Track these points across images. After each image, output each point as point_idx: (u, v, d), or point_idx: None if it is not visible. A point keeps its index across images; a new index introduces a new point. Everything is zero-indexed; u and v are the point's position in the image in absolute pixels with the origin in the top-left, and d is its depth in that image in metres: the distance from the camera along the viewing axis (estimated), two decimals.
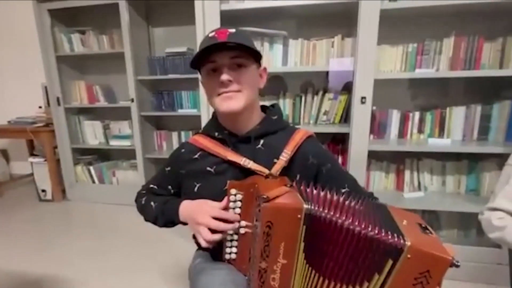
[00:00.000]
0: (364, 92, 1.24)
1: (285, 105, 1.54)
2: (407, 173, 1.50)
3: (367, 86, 1.24)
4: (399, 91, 1.53)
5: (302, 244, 0.50)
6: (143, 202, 0.78)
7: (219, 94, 0.64)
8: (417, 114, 1.44)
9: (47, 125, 2.36)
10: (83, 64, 2.43)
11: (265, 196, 0.50)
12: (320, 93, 1.49)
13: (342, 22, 1.44)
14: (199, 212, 0.62)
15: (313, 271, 0.50)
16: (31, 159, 2.38)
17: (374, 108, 1.43)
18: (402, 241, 0.44)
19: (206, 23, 1.33)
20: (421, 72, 1.33)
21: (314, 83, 1.55)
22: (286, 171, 0.65)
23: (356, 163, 1.32)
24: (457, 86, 1.48)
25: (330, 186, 0.60)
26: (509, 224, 0.72)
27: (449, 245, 0.47)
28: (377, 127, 1.49)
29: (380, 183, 1.54)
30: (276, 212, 0.49)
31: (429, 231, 0.48)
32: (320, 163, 0.70)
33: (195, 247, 0.82)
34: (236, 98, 0.63)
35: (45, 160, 2.34)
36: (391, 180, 1.53)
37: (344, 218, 0.48)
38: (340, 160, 1.50)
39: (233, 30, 0.62)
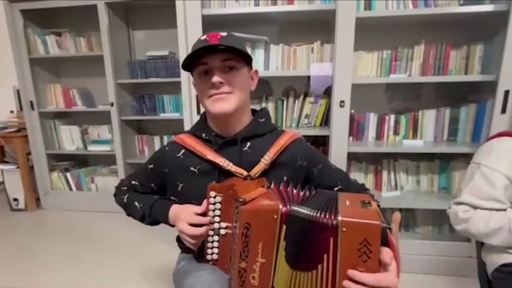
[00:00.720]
0: (342, 96, 1.29)
1: (268, 108, 1.57)
2: (384, 174, 1.56)
3: (345, 91, 1.29)
4: (376, 95, 1.60)
5: (284, 243, 0.51)
6: (125, 200, 0.77)
7: (210, 96, 0.65)
8: (392, 117, 1.51)
9: (20, 130, 2.25)
10: (59, 66, 2.35)
11: (241, 199, 0.52)
12: (301, 97, 1.53)
13: (321, 28, 1.50)
14: (178, 220, 0.64)
15: (291, 266, 0.52)
16: (1, 166, 2.25)
17: (353, 111, 1.49)
18: (335, 217, 0.48)
19: (188, 27, 1.34)
20: (394, 77, 1.41)
21: (296, 87, 1.59)
22: (270, 173, 0.67)
23: (336, 165, 1.36)
24: (428, 91, 1.57)
25: (323, 185, 0.61)
26: (473, 217, 0.78)
27: (396, 213, 0.51)
28: (356, 130, 1.55)
29: None
30: (253, 214, 0.51)
31: (369, 205, 0.51)
32: (310, 165, 0.72)
33: (178, 251, 0.81)
34: (227, 100, 0.64)
35: (17, 167, 2.22)
36: (370, 181, 1.59)
37: (301, 211, 0.51)
38: None
39: (224, 34, 0.64)
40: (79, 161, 2.45)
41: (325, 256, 0.49)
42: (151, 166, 0.76)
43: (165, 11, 2.05)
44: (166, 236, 0.91)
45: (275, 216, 0.50)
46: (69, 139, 2.33)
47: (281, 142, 0.70)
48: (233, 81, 0.64)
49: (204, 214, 0.63)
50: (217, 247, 0.64)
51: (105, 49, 2.00)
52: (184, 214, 0.64)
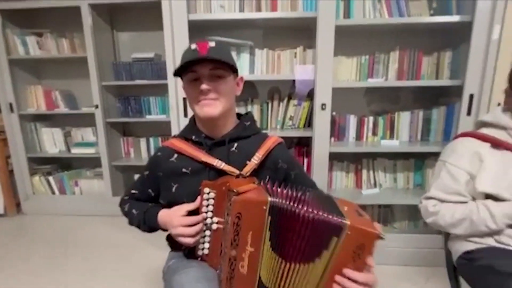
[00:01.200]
0: (324, 99, 1.36)
1: (253, 111, 1.62)
2: (364, 172, 1.65)
3: (326, 94, 1.36)
4: (355, 98, 1.69)
5: (268, 233, 0.57)
6: (126, 209, 0.80)
7: (199, 101, 0.70)
8: (371, 119, 1.60)
9: None
10: (40, 68, 2.30)
11: (235, 190, 0.57)
12: (286, 99, 1.59)
13: (304, 34, 1.56)
14: (171, 226, 0.68)
15: (277, 257, 0.58)
16: None
17: (334, 113, 1.57)
18: (343, 221, 0.54)
19: (175, 32, 1.36)
20: (372, 81, 1.49)
21: (280, 90, 1.65)
22: (257, 173, 0.72)
23: (319, 164, 1.44)
24: (404, 94, 1.67)
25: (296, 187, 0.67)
26: (441, 210, 0.86)
27: (378, 224, 0.57)
28: (337, 131, 1.63)
29: (341, 182, 1.68)
30: (245, 204, 0.56)
31: (363, 215, 0.59)
32: (289, 168, 0.79)
33: (166, 252, 0.84)
34: (214, 105, 0.69)
35: None
36: (351, 179, 1.68)
37: (300, 207, 0.56)
38: (305, 161, 1.61)
39: (213, 44, 0.68)
40: (62, 164, 2.40)
41: (324, 251, 0.55)
42: (147, 173, 0.80)
43: (150, 13, 2.06)
44: (155, 239, 0.92)
45: (264, 207, 0.56)
46: (51, 142, 2.28)
47: (268, 144, 0.75)
48: (220, 88, 0.69)
49: (196, 211, 0.67)
50: (208, 242, 0.67)
51: (89, 51, 1.98)
52: (175, 220, 0.66)
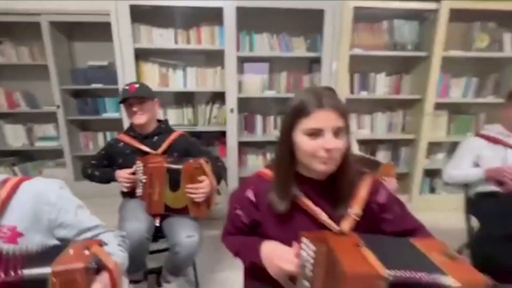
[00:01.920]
0: (231, 105, 2.02)
1: (188, 112, 2.22)
2: (268, 155, 2.37)
3: (233, 101, 2.02)
4: (262, 103, 2.38)
5: None
6: (89, 171, 1.38)
7: (132, 116, 1.29)
8: (272, 117, 2.31)
9: None
10: (1, 72, 2.56)
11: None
12: (210, 104, 2.22)
13: (220, 59, 2.13)
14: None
15: None
16: None
17: (246, 113, 2.24)
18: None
19: (124, 57, 1.90)
20: (268, 93, 2.19)
21: (207, 97, 2.27)
22: (167, 152, 1.33)
23: (231, 150, 2.11)
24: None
25: (193, 156, 1.31)
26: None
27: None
28: (250, 126, 2.31)
29: (253, 163, 2.38)
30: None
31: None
32: (188, 148, 1.40)
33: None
34: (141, 117, 1.29)
35: None
36: (260, 160, 2.39)
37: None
38: (225, 148, 2.27)
39: (137, 85, 1.28)
40: (25, 156, 2.73)
41: None
42: (103, 152, 1.39)
43: (103, 26, 2.45)
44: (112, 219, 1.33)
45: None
46: (14, 137, 2.61)
47: (172, 137, 1.37)
48: (144, 108, 1.30)
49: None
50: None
51: (49, 59, 2.35)
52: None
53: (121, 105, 1.31)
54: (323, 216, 0.70)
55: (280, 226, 0.73)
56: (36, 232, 0.70)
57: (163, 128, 1.39)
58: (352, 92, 2.28)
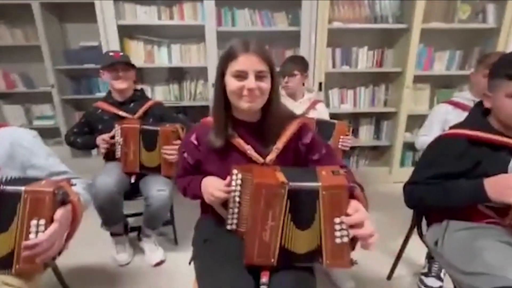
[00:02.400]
0: (213, 80, 2.09)
1: (174, 88, 2.31)
2: None
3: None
4: None
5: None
6: (71, 139, 1.51)
7: (116, 79, 1.39)
8: None
9: None
10: None
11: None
12: (195, 80, 2.30)
13: (202, 35, 2.19)
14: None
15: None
16: None
17: None
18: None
19: (108, 34, 1.98)
20: None
21: (193, 73, 2.35)
22: (143, 118, 1.43)
23: None
24: None
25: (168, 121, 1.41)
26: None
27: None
28: None
29: None
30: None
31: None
32: (163, 115, 1.50)
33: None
34: (124, 83, 1.40)
35: None
36: None
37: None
38: None
39: (121, 53, 1.41)
40: None
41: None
42: (83, 120, 1.51)
43: (93, 7, 2.52)
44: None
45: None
46: (13, 117, 2.74)
47: (148, 104, 1.48)
48: (127, 75, 1.40)
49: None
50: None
51: (42, 40, 2.45)
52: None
53: (101, 71, 1.41)
54: (251, 152, 0.80)
55: (219, 163, 0.83)
56: (10, 169, 0.82)
57: (139, 96, 1.50)
58: (334, 66, 2.32)
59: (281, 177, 0.67)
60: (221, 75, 0.78)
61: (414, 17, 2.08)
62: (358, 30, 2.21)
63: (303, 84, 1.68)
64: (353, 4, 2.16)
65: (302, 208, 0.67)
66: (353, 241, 0.67)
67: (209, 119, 0.86)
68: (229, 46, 0.76)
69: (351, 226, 0.64)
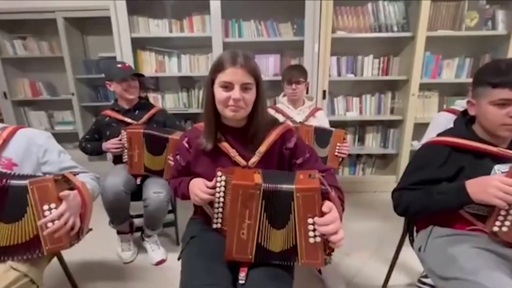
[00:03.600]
0: None
1: (183, 96, 2.42)
2: None
3: None
4: None
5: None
6: (83, 145, 1.64)
7: (125, 91, 1.50)
8: None
9: None
10: (26, 64, 2.92)
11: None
12: (203, 88, 2.39)
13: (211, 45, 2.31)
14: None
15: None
16: None
17: None
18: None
19: (123, 48, 2.12)
20: None
21: (201, 82, 2.45)
22: (148, 123, 1.53)
23: None
24: None
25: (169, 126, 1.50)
26: None
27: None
28: None
29: None
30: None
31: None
32: (165, 121, 1.61)
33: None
34: (135, 92, 1.52)
35: None
36: None
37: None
38: None
39: (128, 64, 1.51)
40: None
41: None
42: (93, 127, 1.63)
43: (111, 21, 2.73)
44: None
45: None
46: (38, 122, 2.96)
47: (153, 110, 1.59)
48: (136, 85, 1.52)
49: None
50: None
51: (65, 51, 2.65)
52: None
53: (107, 82, 1.52)
54: (236, 155, 0.86)
55: (207, 165, 0.89)
56: (27, 165, 0.93)
57: (143, 103, 1.61)
58: (339, 74, 2.34)
59: (258, 178, 0.71)
60: (211, 83, 0.83)
61: (419, 26, 2.08)
62: (363, 38, 2.24)
63: (307, 92, 1.74)
64: (357, 13, 2.19)
65: (278, 209, 0.71)
66: (327, 241, 0.69)
67: (201, 124, 0.93)
68: (218, 57, 0.82)
69: (322, 226, 0.67)
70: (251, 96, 0.81)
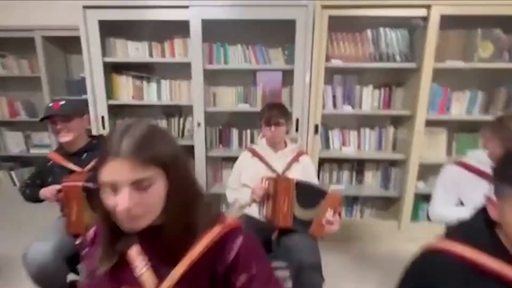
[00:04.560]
0: (199, 119, 1.96)
1: (162, 124, 2.20)
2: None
3: (200, 116, 1.96)
4: (238, 116, 2.28)
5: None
6: (23, 189, 1.38)
7: (57, 133, 1.27)
8: (249, 131, 2.21)
9: None
10: (4, 83, 2.77)
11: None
12: (183, 117, 2.18)
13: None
14: None
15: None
16: None
17: (220, 127, 2.17)
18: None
19: (94, 71, 1.93)
20: (242, 106, 2.10)
21: (181, 110, 2.23)
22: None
23: (199, 162, 2.03)
24: None
25: None
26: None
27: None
28: (225, 140, 2.23)
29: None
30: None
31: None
32: None
33: None
34: (66, 135, 1.27)
35: None
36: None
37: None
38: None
39: (62, 102, 1.26)
40: (23, 162, 2.89)
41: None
42: (36, 171, 1.41)
43: None
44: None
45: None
46: (15, 144, 2.78)
47: None
48: (69, 126, 1.27)
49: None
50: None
51: (42, 71, 2.49)
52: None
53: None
54: (142, 271, 0.58)
55: (110, 276, 0.60)
56: None
57: (94, 145, 1.37)
58: (335, 106, 2.10)
59: None
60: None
61: (425, 56, 1.84)
62: (361, 68, 2.01)
63: (287, 132, 1.49)
64: (355, 40, 1.97)
65: None
66: None
67: None
68: (107, 135, 0.57)
69: None
70: (153, 194, 0.53)
